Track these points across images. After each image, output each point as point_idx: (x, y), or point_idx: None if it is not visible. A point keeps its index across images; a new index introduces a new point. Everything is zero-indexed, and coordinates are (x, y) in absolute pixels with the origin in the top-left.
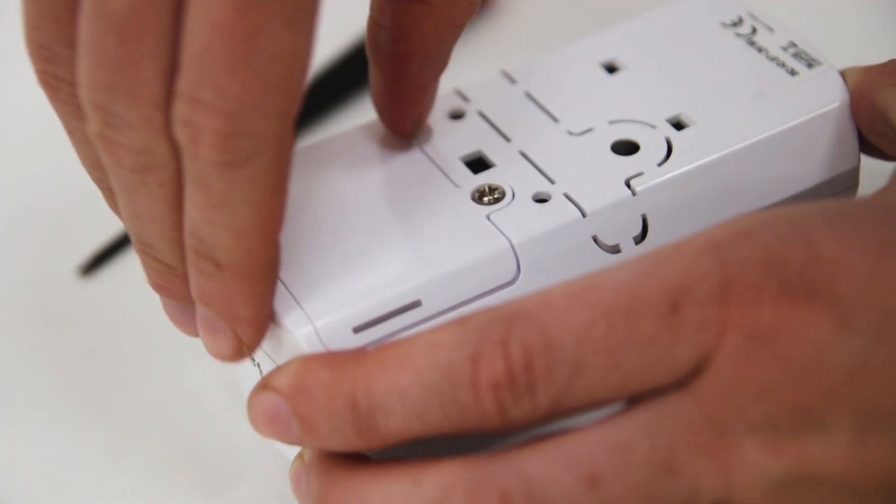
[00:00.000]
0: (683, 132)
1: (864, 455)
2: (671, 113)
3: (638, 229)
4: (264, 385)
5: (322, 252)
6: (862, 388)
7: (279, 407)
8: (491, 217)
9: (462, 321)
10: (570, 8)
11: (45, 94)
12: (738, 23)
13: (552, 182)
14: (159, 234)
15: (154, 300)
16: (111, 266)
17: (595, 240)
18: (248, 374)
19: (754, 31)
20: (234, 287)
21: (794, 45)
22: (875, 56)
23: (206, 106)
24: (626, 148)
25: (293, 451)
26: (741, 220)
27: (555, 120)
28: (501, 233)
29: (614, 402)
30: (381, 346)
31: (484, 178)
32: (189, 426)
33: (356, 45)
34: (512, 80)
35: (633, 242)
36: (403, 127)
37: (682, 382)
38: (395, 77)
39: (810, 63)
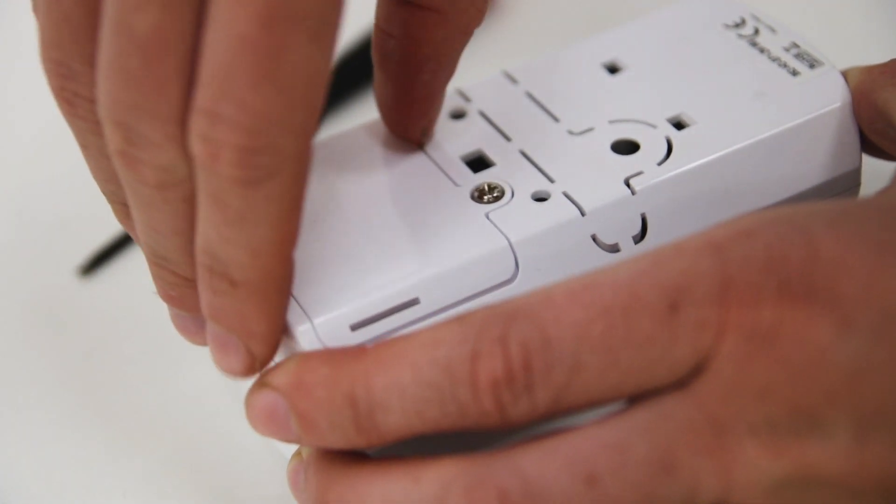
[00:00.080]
0: (684, 132)
1: (863, 456)
2: (672, 113)
3: (637, 228)
4: (262, 383)
5: (320, 249)
6: (862, 390)
7: (278, 405)
8: (490, 216)
9: (461, 319)
10: (572, 9)
11: (61, 110)
12: (740, 24)
13: (552, 181)
14: (179, 248)
15: (154, 301)
16: (111, 266)
17: (594, 239)
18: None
19: (756, 32)
20: (248, 305)
21: (796, 45)
22: (876, 56)
23: (228, 121)
24: (626, 147)
25: (291, 450)
26: (742, 219)
27: (555, 119)
28: (500, 231)
29: (613, 402)
30: (380, 343)
31: (484, 177)
32: (189, 426)
33: (355, 47)
34: (513, 80)
35: (632, 242)
36: (411, 134)
37: (681, 382)
38: (405, 85)
39: (812, 63)
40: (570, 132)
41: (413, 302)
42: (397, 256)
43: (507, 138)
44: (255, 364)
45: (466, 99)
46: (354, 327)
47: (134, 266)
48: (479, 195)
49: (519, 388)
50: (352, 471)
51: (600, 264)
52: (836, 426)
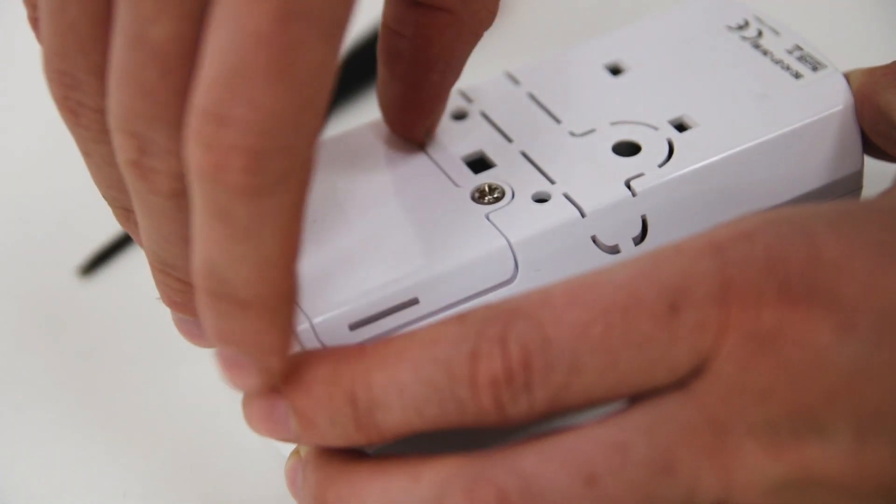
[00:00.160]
0: (685, 134)
1: (863, 459)
2: (674, 114)
3: (637, 230)
4: None
5: (319, 249)
6: (862, 391)
7: (276, 403)
8: (490, 216)
9: (461, 317)
10: (575, 10)
11: (64, 119)
12: (743, 26)
13: (552, 182)
14: (188, 255)
15: (154, 301)
16: (111, 266)
17: (594, 240)
18: None
19: (760, 34)
20: (260, 324)
21: (799, 48)
22: (879, 57)
23: (238, 123)
24: (627, 149)
25: (290, 449)
26: (742, 220)
27: (557, 121)
28: (500, 232)
29: (613, 402)
30: (379, 342)
31: (484, 178)
32: (189, 426)
33: (352, 47)
34: (515, 81)
35: (632, 243)
36: (415, 134)
37: (681, 383)
38: (413, 84)
39: (815, 66)
40: (572, 133)
41: (412, 302)
42: (397, 256)
43: (509, 139)
44: (273, 379)
45: (468, 99)
46: (353, 327)
47: (134, 266)
48: (479, 196)
49: (518, 388)
50: (350, 469)
51: (600, 266)
52: (836, 428)
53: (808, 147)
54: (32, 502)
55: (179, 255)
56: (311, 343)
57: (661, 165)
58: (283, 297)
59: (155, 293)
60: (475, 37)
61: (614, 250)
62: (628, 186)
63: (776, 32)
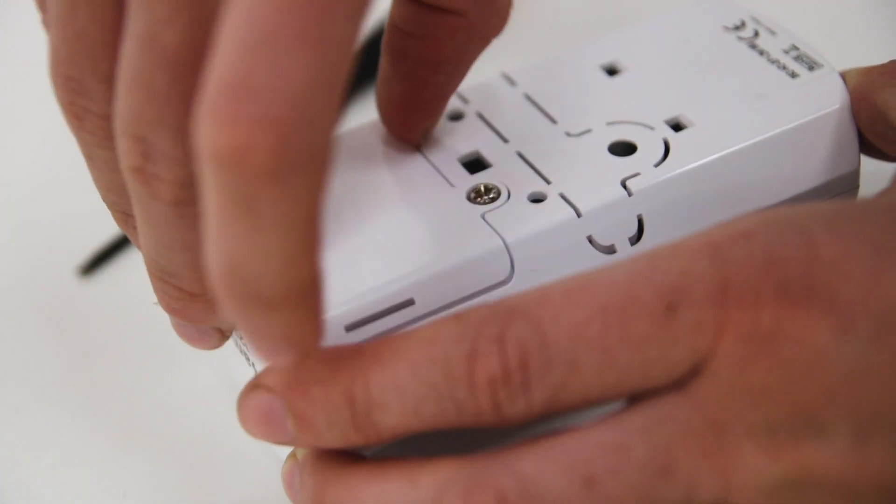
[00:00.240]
0: (681, 133)
1: (862, 459)
2: (670, 114)
3: (633, 230)
4: (255, 385)
5: None
6: (860, 392)
7: (273, 405)
8: (486, 216)
9: (458, 317)
10: (571, 11)
11: (69, 124)
12: (740, 26)
13: (548, 182)
14: (188, 263)
15: (152, 304)
16: (111, 266)
17: (590, 240)
18: (245, 374)
19: (756, 34)
20: (291, 320)
21: (795, 47)
22: (875, 57)
23: (267, 92)
24: (623, 149)
25: (287, 451)
26: (740, 220)
27: (553, 121)
28: (496, 232)
29: (610, 401)
30: (377, 341)
31: (480, 179)
32: (189, 426)
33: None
34: (511, 82)
35: (628, 243)
36: (413, 135)
37: (679, 383)
38: (417, 84)
39: (811, 66)
40: (568, 134)
41: (408, 303)
42: (392, 257)
43: (505, 140)
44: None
45: (464, 100)
46: (349, 328)
47: (134, 266)
48: (474, 196)
49: (515, 387)
50: (348, 472)
51: (596, 266)
52: (835, 428)
53: (805, 146)
54: (32, 502)
55: (179, 263)
56: None
57: (657, 165)
58: (312, 288)
59: (153, 297)
60: (485, 42)
61: (610, 250)
62: (624, 186)
63: (772, 32)
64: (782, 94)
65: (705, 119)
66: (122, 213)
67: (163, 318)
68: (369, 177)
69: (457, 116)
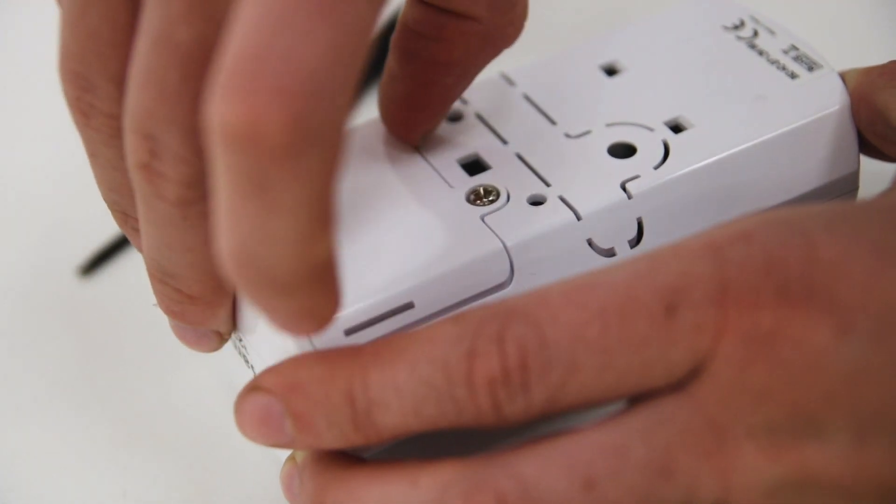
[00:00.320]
0: (681, 135)
1: (861, 460)
2: (669, 116)
3: (633, 233)
4: (252, 387)
5: None
6: (860, 393)
7: (271, 407)
8: (485, 219)
9: (458, 318)
10: (570, 11)
11: (75, 120)
12: (739, 26)
13: (547, 185)
14: (190, 264)
15: (153, 302)
16: (111, 266)
17: (590, 243)
18: (244, 377)
19: (756, 34)
20: (305, 300)
21: (795, 48)
22: (875, 57)
23: (282, 62)
24: (622, 151)
25: (286, 454)
26: (740, 222)
27: (552, 122)
28: (495, 234)
29: (610, 402)
30: (376, 342)
31: (480, 181)
32: (189, 426)
33: None
34: (511, 83)
35: (628, 246)
36: (413, 135)
37: (679, 384)
38: (424, 84)
39: (811, 66)
40: (567, 135)
41: (408, 306)
42: (391, 260)
43: (504, 141)
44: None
45: (463, 101)
46: (349, 332)
47: (134, 266)
48: (474, 198)
49: (515, 387)
50: (348, 474)
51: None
52: (835, 429)
53: (804, 148)
54: (32, 502)
55: (180, 264)
56: (305, 350)
57: (656, 167)
58: (326, 271)
59: (153, 298)
60: (496, 50)
61: (610, 253)
62: (624, 189)
63: (772, 32)
64: (782, 95)
65: (705, 120)
66: (122, 213)
67: (163, 319)
68: (366, 178)
69: (456, 117)
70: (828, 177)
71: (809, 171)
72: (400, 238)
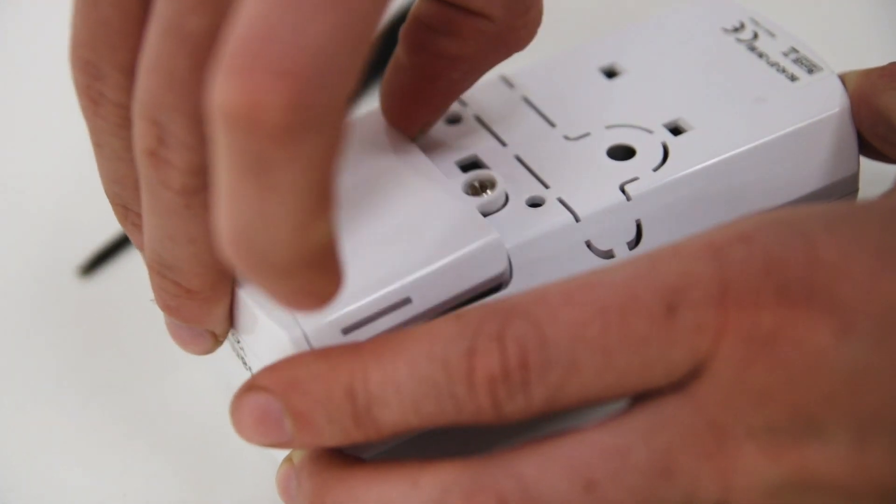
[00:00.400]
0: (680, 137)
1: (862, 461)
2: (669, 118)
3: (632, 234)
4: (250, 386)
5: None
6: (861, 394)
7: (269, 405)
8: (481, 210)
9: (458, 315)
10: (569, 14)
11: (83, 108)
12: (739, 28)
13: (546, 186)
14: (191, 256)
15: (151, 302)
16: (111, 266)
17: (588, 244)
18: (242, 378)
19: (755, 36)
20: (304, 282)
21: (795, 50)
22: (874, 59)
23: (285, 44)
24: (621, 153)
25: (283, 454)
26: (740, 222)
27: (552, 125)
28: (491, 223)
29: (610, 401)
30: (376, 339)
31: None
32: (189, 426)
33: None
34: (510, 85)
35: (626, 248)
36: (412, 127)
37: (679, 384)
38: (429, 76)
39: (811, 69)
40: (566, 137)
41: (405, 301)
42: (387, 255)
43: (503, 143)
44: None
45: (462, 103)
46: (346, 330)
47: (134, 266)
48: (471, 191)
49: (515, 385)
50: (348, 474)
51: None
52: (836, 430)
53: (804, 150)
54: (32, 502)
55: (183, 256)
56: (302, 350)
57: (655, 169)
58: (324, 254)
59: (151, 294)
60: (507, 52)
61: (608, 255)
62: (623, 191)
63: (772, 35)
64: (781, 97)
65: (704, 123)
66: (123, 206)
67: (163, 319)
68: (363, 171)
69: (455, 120)
70: (828, 179)
71: (809, 174)
72: (396, 232)
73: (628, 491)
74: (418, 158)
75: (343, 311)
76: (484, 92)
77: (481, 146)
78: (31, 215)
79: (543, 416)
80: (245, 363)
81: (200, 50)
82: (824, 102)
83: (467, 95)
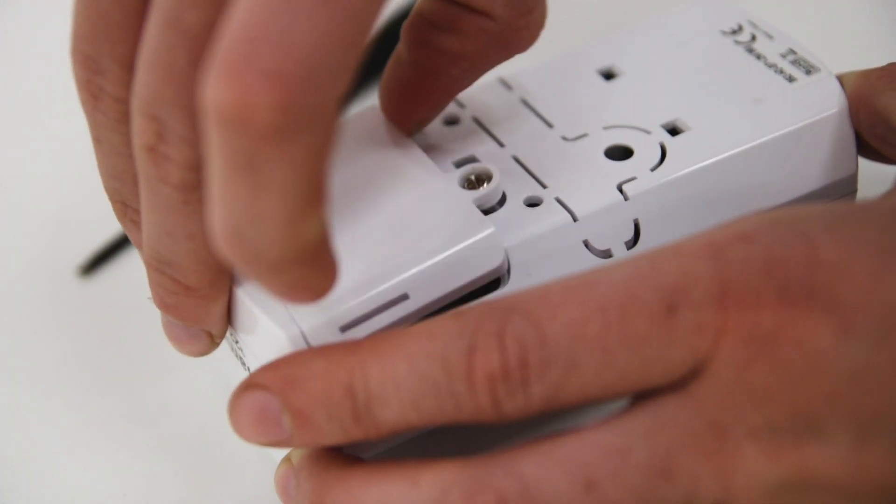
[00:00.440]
0: (678, 137)
1: (862, 461)
2: (667, 119)
3: (630, 234)
4: (249, 384)
5: None
6: (861, 394)
7: (268, 403)
8: (476, 203)
9: (458, 313)
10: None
11: (83, 102)
12: (737, 30)
13: (544, 186)
14: (189, 253)
15: (147, 301)
16: (111, 266)
17: (586, 244)
18: (241, 378)
19: (753, 38)
20: (296, 277)
21: (792, 52)
22: (873, 60)
23: (275, 46)
24: (619, 153)
25: (281, 454)
26: (740, 222)
27: (549, 125)
28: (486, 217)
29: (610, 400)
30: (375, 336)
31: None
32: (189, 426)
33: None
34: (508, 87)
35: (624, 247)
36: (408, 122)
37: (679, 384)
38: (430, 72)
39: (808, 70)
40: (564, 138)
41: (402, 298)
42: (383, 251)
43: (501, 144)
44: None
45: (460, 105)
46: (344, 329)
47: (134, 266)
48: (466, 184)
49: (514, 384)
50: (347, 474)
51: None
52: (836, 430)
53: (802, 151)
54: (32, 502)
55: (181, 252)
56: (300, 348)
57: (653, 169)
58: (315, 250)
59: (149, 293)
60: (508, 52)
61: (606, 254)
62: (620, 190)
63: (770, 36)
64: (779, 98)
65: (702, 123)
66: (122, 203)
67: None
68: (359, 167)
69: (453, 121)
70: (826, 179)
71: (807, 174)
72: (392, 227)
73: (628, 491)
74: (414, 153)
75: (340, 309)
76: (482, 93)
77: (479, 147)
78: (31, 215)
79: (543, 415)
80: (244, 363)
81: (199, 44)
82: (822, 103)
83: (465, 97)
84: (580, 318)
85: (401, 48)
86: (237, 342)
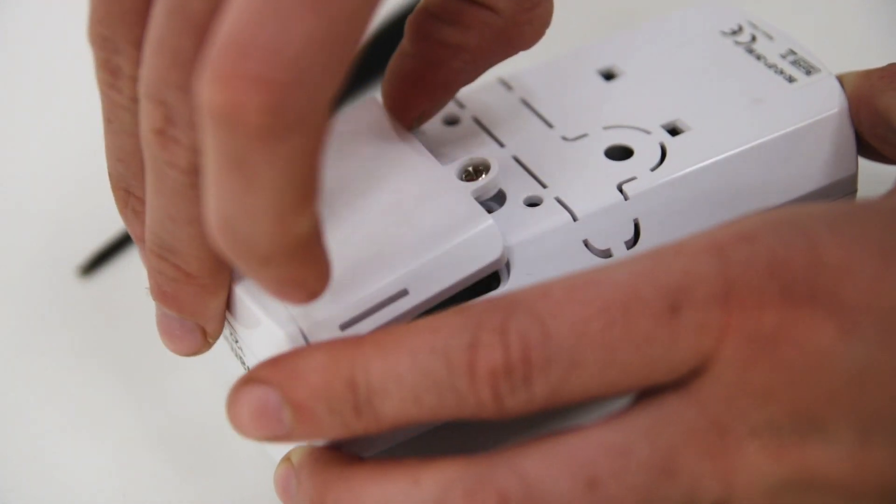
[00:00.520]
0: (678, 138)
1: (864, 460)
2: (667, 119)
3: (630, 234)
4: (248, 378)
5: None
6: (864, 394)
7: (268, 398)
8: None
9: (461, 309)
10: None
11: (100, 80)
12: (737, 31)
13: (544, 186)
14: (191, 238)
15: (149, 297)
16: (111, 266)
17: (586, 244)
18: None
19: (753, 39)
20: (288, 271)
21: (792, 52)
22: (872, 60)
23: (263, 50)
24: (619, 153)
25: (280, 453)
26: (743, 221)
27: (550, 126)
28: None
29: (612, 397)
30: (378, 331)
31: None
32: (189, 426)
33: None
34: (508, 87)
35: (624, 247)
36: (409, 114)
37: (682, 382)
38: (432, 64)
39: (809, 70)
40: (564, 138)
41: (401, 293)
42: (382, 246)
43: (501, 144)
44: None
45: (460, 105)
46: (344, 326)
47: (134, 266)
48: (465, 176)
49: (517, 380)
50: (348, 473)
51: None
52: (838, 429)
53: (802, 151)
54: (32, 502)
55: (183, 237)
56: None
57: (653, 169)
58: (306, 245)
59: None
60: (511, 48)
61: (606, 254)
62: (620, 190)
63: (770, 37)
64: (779, 98)
65: (702, 123)
66: (125, 190)
67: None
68: (358, 161)
69: (453, 121)
70: (826, 180)
71: (807, 174)
72: (390, 221)
73: (630, 489)
74: (413, 145)
75: (340, 307)
76: (482, 94)
77: (479, 147)
78: (31, 215)
79: (545, 412)
80: (243, 362)
81: (203, 29)
82: (822, 103)
83: (465, 97)
84: (583, 315)
85: (404, 41)
86: (237, 341)
